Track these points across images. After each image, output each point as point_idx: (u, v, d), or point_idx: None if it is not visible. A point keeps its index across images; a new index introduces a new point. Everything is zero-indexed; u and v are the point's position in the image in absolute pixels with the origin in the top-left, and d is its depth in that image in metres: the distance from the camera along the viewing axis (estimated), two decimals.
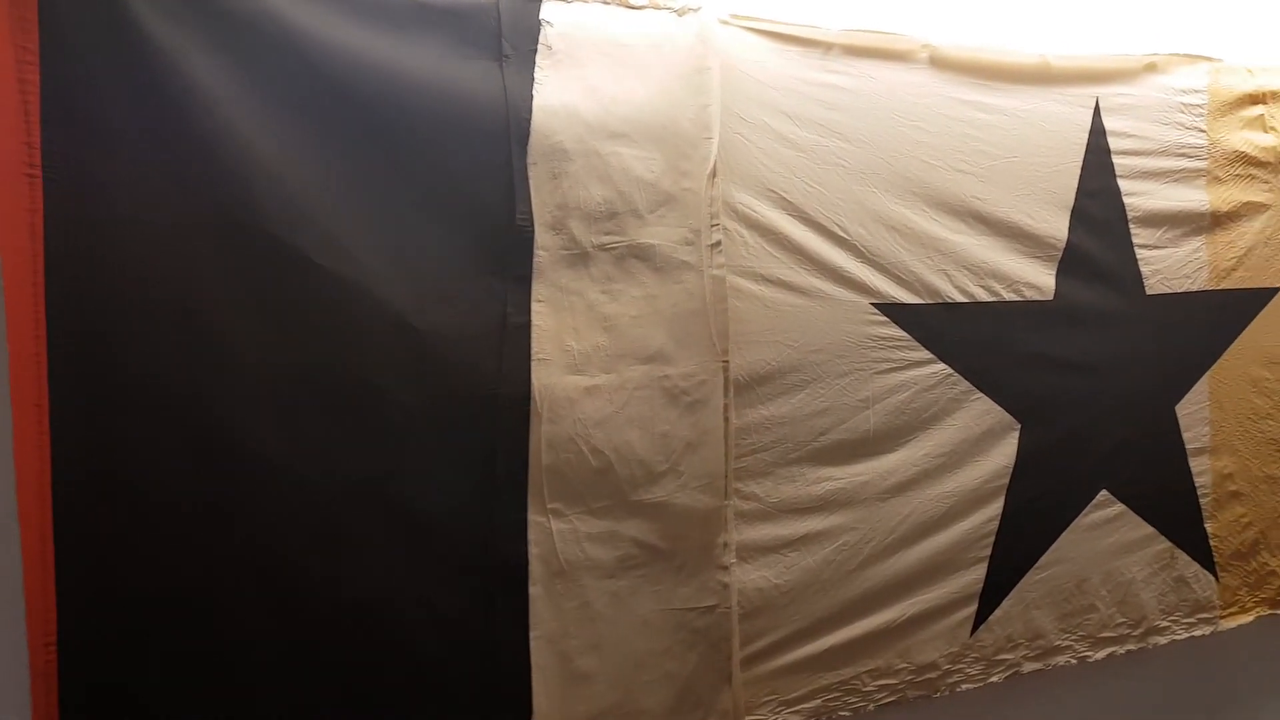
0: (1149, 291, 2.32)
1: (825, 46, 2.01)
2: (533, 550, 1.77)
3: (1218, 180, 2.39)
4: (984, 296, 2.14)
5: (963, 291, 2.12)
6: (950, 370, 2.12)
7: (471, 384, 1.72)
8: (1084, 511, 2.26)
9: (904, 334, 2.07)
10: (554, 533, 1.79)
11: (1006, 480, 2.18)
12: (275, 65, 1.59)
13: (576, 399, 1.79)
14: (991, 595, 2.17)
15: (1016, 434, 2.19)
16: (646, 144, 1.84)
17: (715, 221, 1.89)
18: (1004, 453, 2.18)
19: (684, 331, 1.87)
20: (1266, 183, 2.46)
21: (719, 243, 1.89)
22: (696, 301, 1.88)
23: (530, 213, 1.76)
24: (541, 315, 1.77)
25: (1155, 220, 2.32)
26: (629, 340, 1.83)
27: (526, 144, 1.76)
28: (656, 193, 1.85)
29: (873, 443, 2.06)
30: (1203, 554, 2.40)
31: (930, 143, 2.09)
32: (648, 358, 1.85)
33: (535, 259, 1.77)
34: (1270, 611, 2.49)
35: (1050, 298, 2.21)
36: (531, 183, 1.76)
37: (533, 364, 1.76)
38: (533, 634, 1.76)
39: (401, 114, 1.69)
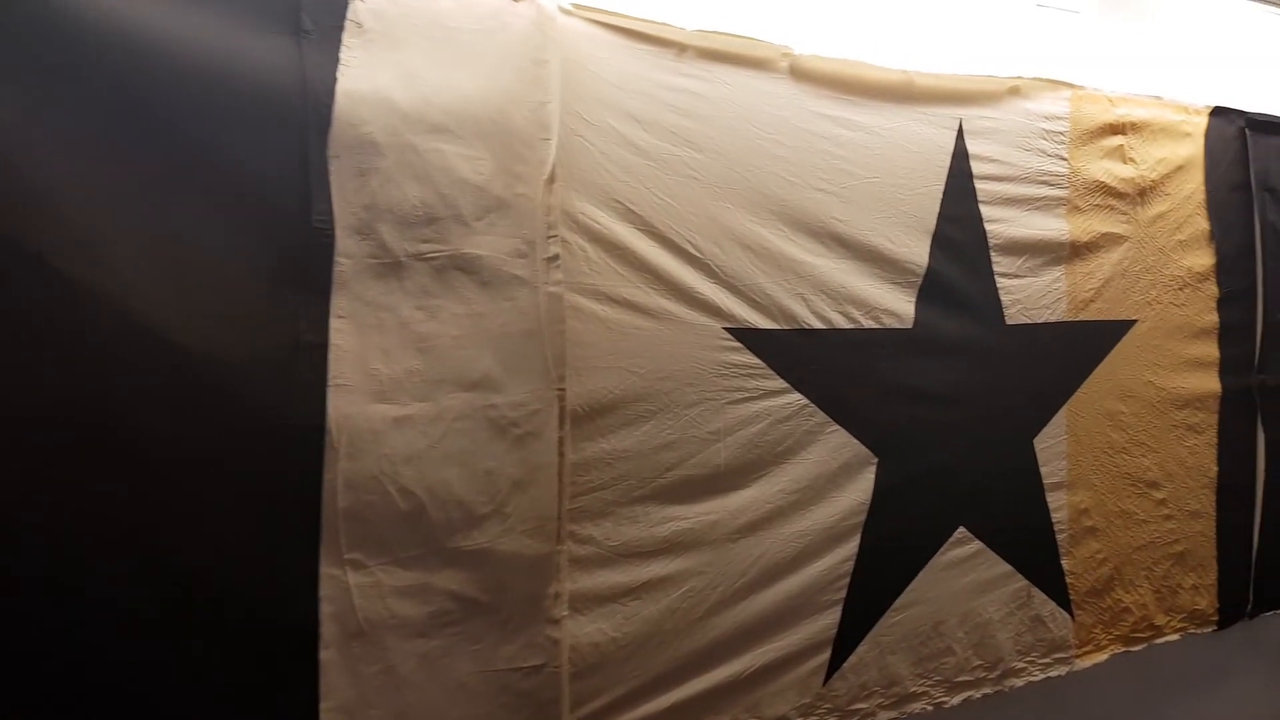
0: (1009, 321, 2.31)
1: (679, 47, 1.90)
2: (325, 609, 1.57)
3: (1078, 210, 2.42)
4: (842, 323, 2.08)
5: (820, 317, 2.05)
6: (806, 401, 2.04)
7: (253, 414, 1.50)
8: (941, 549, 2.23)
9: (758, 361, 1.98)
10: (352, 587, 1.59)
11: (863, 517, 2.11)
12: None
13: (383, 431, 1.60)
14: (846, 641, 2.09)
15: (874, 468, 2.13)
16: (474, 141, 1.68)
17: (553, 232, 1.74)
18: (861, 488, 2.11)
19: (514, 355, 1.71)
20: (1125, 214, 2.51)
21: (556, 256, 1.74)
22: (530, 321, 1.72)
23: (330, 214, 1.57)
24: (342, 334, 1.58)
25: (1016, 248, 2.32)
26: (449, 364, 1.66)
27: (327, 134, 1.56)
28: (485, 197, 1.69)
29: (723, 479, 1.95)
30: (1059, 592, 2.41)
31: (790, 158, 2.01)
32: (471, 384, 1.67)
33: (336, 268, 1.58)
34: (1125, 649, 2.53)
35: (910, 326, 2.17)
36: (332, 179, 1.57)
37: (329, 390, 1.56)
38: (323, 706, 1.55)
39: (176, 92, 1.46)
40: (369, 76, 1.60)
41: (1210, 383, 2.67)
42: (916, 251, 2.17)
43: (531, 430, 1.71)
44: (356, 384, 1.58)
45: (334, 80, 1.57)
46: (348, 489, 1.58)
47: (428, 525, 1.64)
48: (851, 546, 2.10)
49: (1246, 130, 2.72)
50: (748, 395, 1.97)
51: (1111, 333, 2.50)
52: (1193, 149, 2.63)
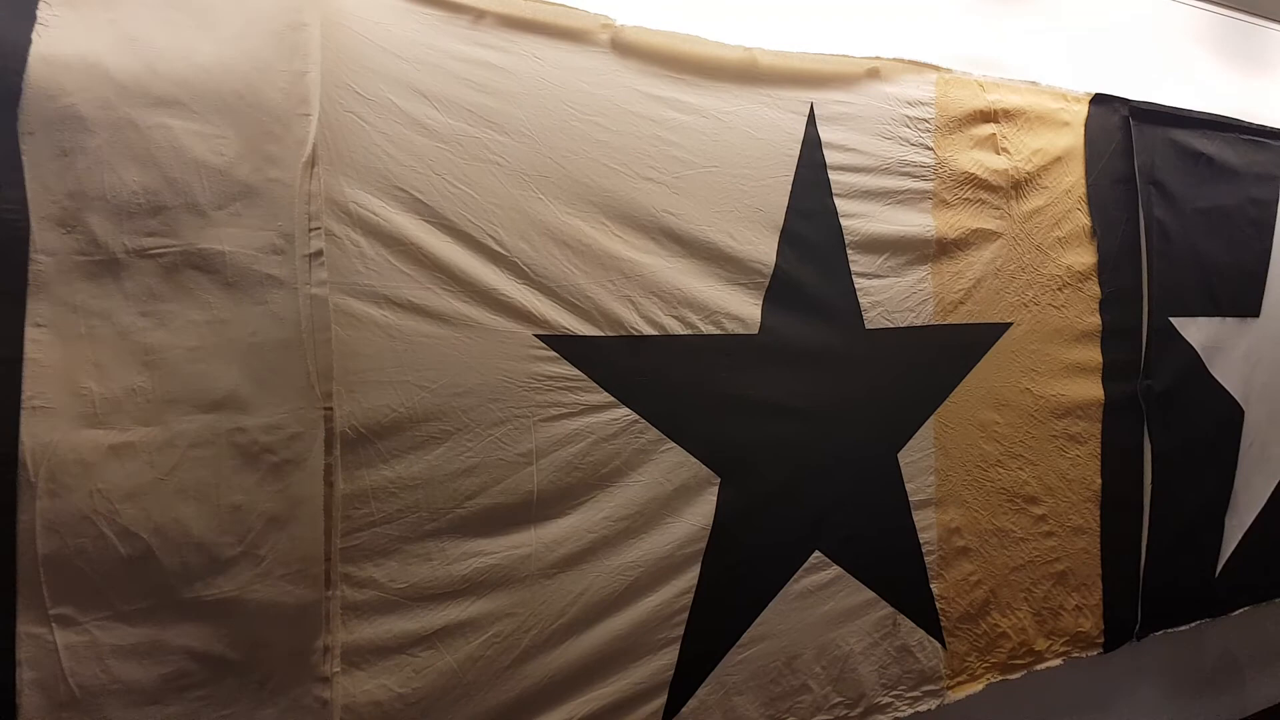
0: (868, 326, 2.20)
1: (475, 13, 1.73)
2: (25, 674, 1.36)
3: (945, 204, 2.32)
4: (677, 329, 1.93)
5: (651, 322, 1.90)
6: (635, 416, 1.88)
7: None
8: (794, 577, 2.10)
9: (577, 373, 1.82)
10: (60, 648, 1.38)
11: (703, 544, 1.97)
12: None
13: (95, 462, 1.39)
14: (684, 683, 1.94)
15: (715, 489, 1.99)
16: (213, 117, 1.48)
17: (315, 224, 1.55)
18: (701, 512, 1.97)
19: (268, 369, 1.51)
20: (998, 209, 2.42)
21: (320, 252, 1.55)
22: (288, 329, 1.53)
23: (23, 202, 1.36)
24: (41, 346, 1.36)
25: (876, 246, 2.20)
26: (184, 381, 1.46)
27: (17, 106, 1.35)
28: (228, 183, 1.49)
29: (537, 507, 1.78)
30: (928, 619, 2.31)
31: (613, 144, 1.86)
32: (212, 404, 1.48)
33: (32, 267, 1.36)
34: (1002, 677, 2.44)
35: (755, 331, 2.03)
36: (26, 160, 1.36)
37: (24, 414, 1.35)
38: None
39: None
40: (75, 39, 1.39)
41: (1093, 389, 2.60)
42: (762, 249, 2.04)
43: (290, 457, 1.52)
44: (60, 406, 1.37)
45: (27, 43, 1.36)
46: (49, 532, 1.36)
47: (158, 572, 1.44)
48: (690, 577, 1.95)
49: (1130, 119, 2.67)
50: (565, 411, 1.80)
51: (984, 337, 2.40)
52: (1072, 139, 2.57)
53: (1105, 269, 2.62)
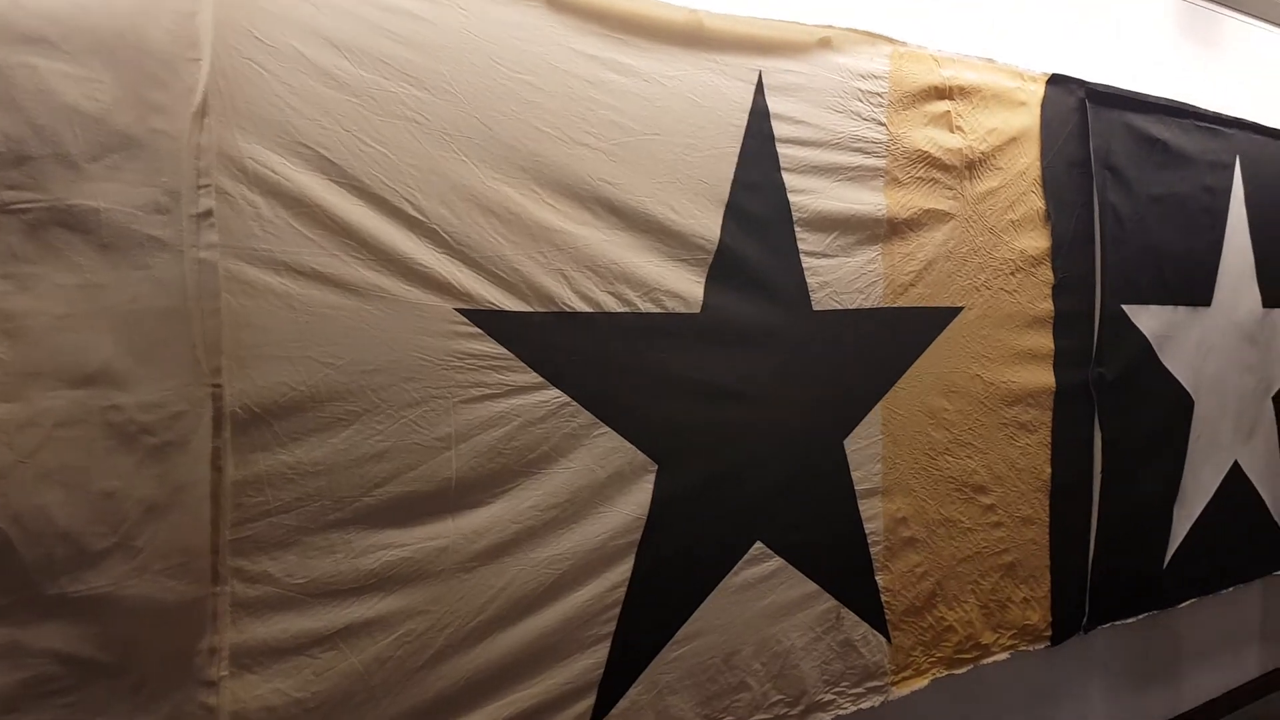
0: (816, 307, 2.09)
1: None
2: None
3: (897, 182, 2.22)
4: (613, 306, 1.80)
5: (585, 298, 1.77)
6: (567, 398, 1.75)
7: None
8: (734, 569, 1.99)
9: (503, 350, 1.68)
10: None
11: (638, 535, 1.85)
12: None
13: None
14: (615, 682, 1.83)
15: (652, 476, 1.86)
16: (87, 59, 1.31)
17: (205, 181, 1.39)
18: (636, 500, 1.85)
19: (149, 341, 1.36)
20: (951, 189, 2.32)
21: (210, 212, 1.40)
22: (172, 297, 1.37)
23: None
24: None
25: (825, 224, 2.09)
26: (49, 352, 1.29)
27: None
28: (104, 132, 1.33)
29: (455, 495, 1.64)
30: (873, 612, 2.21)
31: (546, 105, 1.72)
32: (83, 379, 1.32)
33: None
34: (947, 672, 2.36)
35: (697, 310, 1.91)
36: None
37: None
38: None
39: None
40: None
41: (1044, 377, 2.53)
42: (706, 224, 1.92)
43: (172, 439, 1.37)
44: None
45: None
46: None
47: (17, 566, 1.28)
48: (623, 570, 1.83)
49: (1087, 102, 2.59)
50: (489, 392, 1.67)
51: (934, 321, 2.31)
52: (1028, 120, 2.48)
53: (1059, 254, 2.54)
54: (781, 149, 2.02)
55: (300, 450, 1.49)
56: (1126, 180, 2.69)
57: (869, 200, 2.16)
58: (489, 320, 1.66)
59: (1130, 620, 2.77)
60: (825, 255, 2.10)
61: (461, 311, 1.63)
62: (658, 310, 1.86)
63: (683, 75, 1.88)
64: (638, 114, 1.82)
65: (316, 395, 1.50)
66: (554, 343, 1.74)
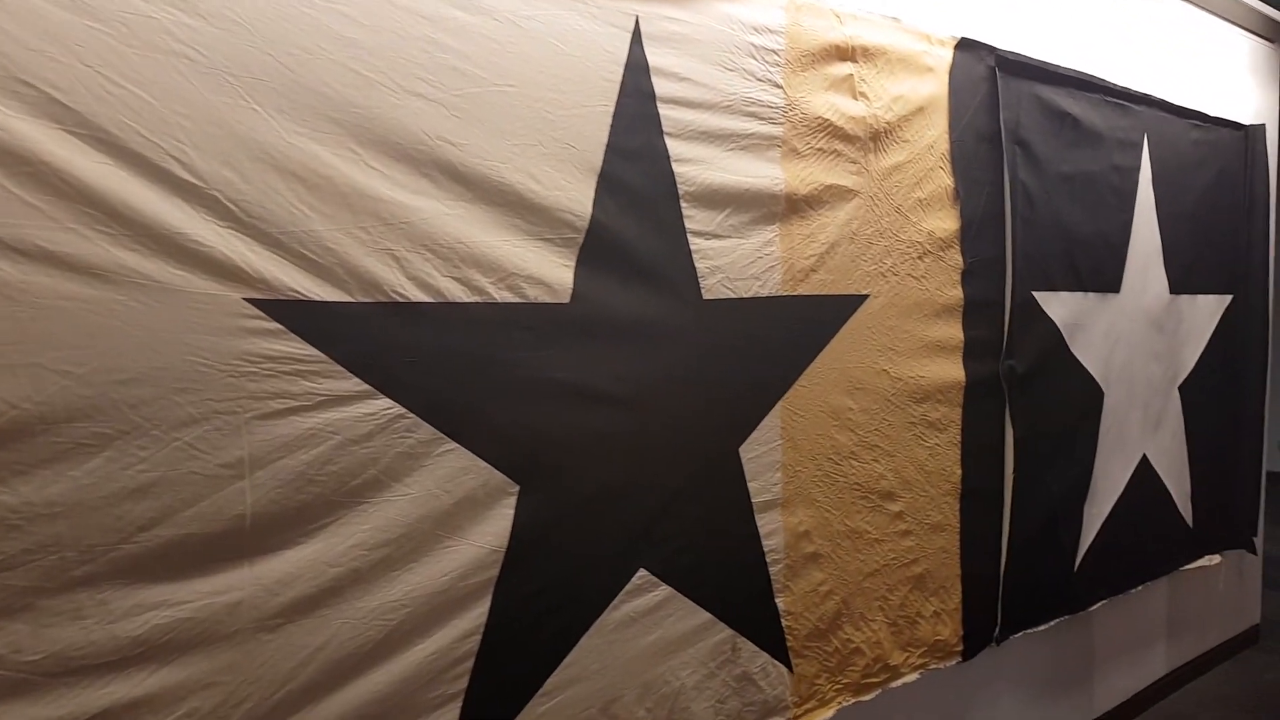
0: (706, 295, 1.81)
1: None
2: None
3: (795, 153, 1.96)
4: (460, 294, 1.48)
5: (423, 285, 1.44)
6: (400, 409, 1.43)
7: None
8: (613, 603, 1.70)
9: (314, 351, 1.34)
10: None
11: (496, 571, 1.54)
12: None
13: None
14: None
15: (513, 500, 1.56)
16: None
17: None
18: (493, 530, 1.54)
19: None
20: (854, 163, 2.08)
21: None
22: None
23: None
24: None
25: (716, 199, 1.82)
26: None
27: None
28: None
29: (251, 536, 1.30)
30: (772, 639, 1.96)
31: (368, 44, 1.38)
32: None
33: None
34: (854, 699, 2.13)
35: (566, 300, 1.61)
36: None
37: None
38: None
39: None
40: None
41: (953, 370, 2.32)
42: (575, 196, 1.61)
43: None
44: None
45: None
46: None
47: None
48: (477, 615, 1.52)
49: (997, 70, 2.39)
50: (295, 404, 1.33)
51: (837, 310, 2.07)
52: (936, 87, 2.26)
53: (968, 236, 2.34)
54: (664, 110, 1.73)
55: (27, 488, 1.13)
56: (1036, 157, 2.51)
57: (765, 173, 1.89)
58: (293, 313, 1.32)
59: (1042, 627, 2.61)
60: (716, 236, 1.82)
61: (254, 302, 1.29)
62: (517, 300, 1.55)
63: (544, 16, 1.57)
64: (488, 61, 1.50)
65: (49, 415, 1.14)
66: (383, 341, 1.41)
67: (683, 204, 1.77)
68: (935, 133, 2.25)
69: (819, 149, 2.00)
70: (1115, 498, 2.85)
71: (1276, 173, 3.48)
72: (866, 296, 2.12)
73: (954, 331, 2.32)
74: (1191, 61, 3.18)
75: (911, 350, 2.22)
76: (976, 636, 2.41)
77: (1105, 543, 2.80)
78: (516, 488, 1.56)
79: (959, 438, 2.35)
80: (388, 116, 1.40)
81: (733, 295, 1.85)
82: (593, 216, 1.63)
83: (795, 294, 1.97)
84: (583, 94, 1.62)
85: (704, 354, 1.81)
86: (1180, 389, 3.12)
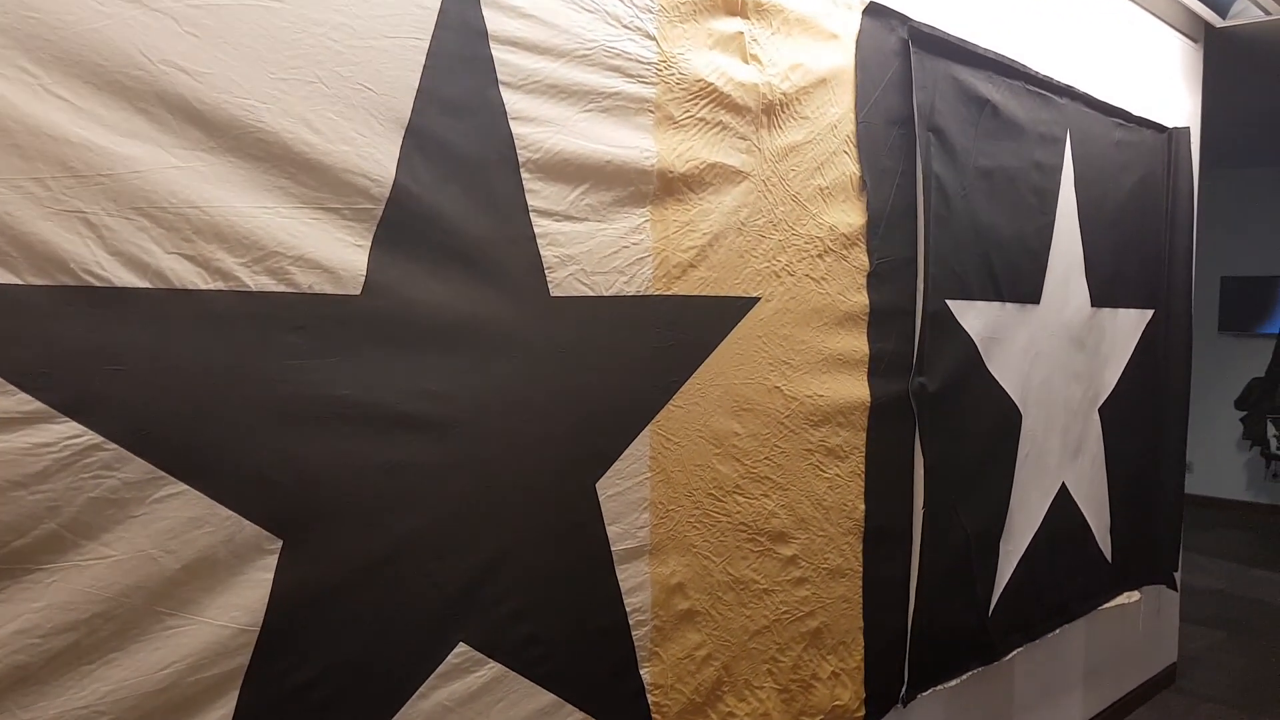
0: (555, 292, 1.48)
1: None
2: None
3: (671, 121, 1.65)
4: (193, 279, 1.11)
5: (134, 265, 1.07)
6: (96, 437, 1.05)
7: None
8: (421, 690, 1.34)
9: None
10: None
11: (246, 658, 1.17)
12: None
13: None
14: None
15: (273, 560, 1.19)
16: None
17: None
18: (241, 602, 1.16)
19: None
20: (744, 139, 1.78)
21: None
22: None
23: None
24: None
25: (568, 171, 1.49)
26: None
27: None
28: None
29: None
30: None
31: None
32: None
33: None
34: None
35: (356, 291, 1.25)
36: None
37: None
38: None
39: None
40: None
41: (857, 389, 2.05)
42: (371, 154, 1.26)
43: None
44: None
45: None
46: None
47: None
48: (220, 713, 1.14)
49: (910, 44, 2.13)
50: None
51: (722, 315, 1.76)
52: (840, 58, 1.99)
53: (875, 234, 2.07)
54: (499, 53, 1.40)
55: None
56: (952, 147, 2.26)
57: (632, 143, 1.58)
58: None
59: (953, 682, 2.36)
60: (569, 218, 1.50)
61: None
62: (282, 288, 1.18)
63: None
64: None
65: None
66: (69, 342, 1.03)
67: (524, 174, 1.43)
68: (839, 111, 1.98)
69: (701, 119, 1.70)
70: (1032, 532, 2.63)
71: (1198, 180, 3.36)
72: (757, 300, 1.82)
73: (858, 343, 2.05)
74: (1114, 54, 3.02)
75: (809, 365, 1.93)
76: (880, 698, 2.14)
77: (1021, 583, 2.58)
78: (278, 543, 1.19)
79: (863, 467, 2.07)
80: (84, 26, 1.03)
81: (590, 293, 1.53)
82: (396, 182, 1.28)
83: (670, 293, 1.65)
84: (384, 21, 1.27)
85: (550, 366, 1.47)
86: (1100, 411, 2.94)
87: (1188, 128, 3.26)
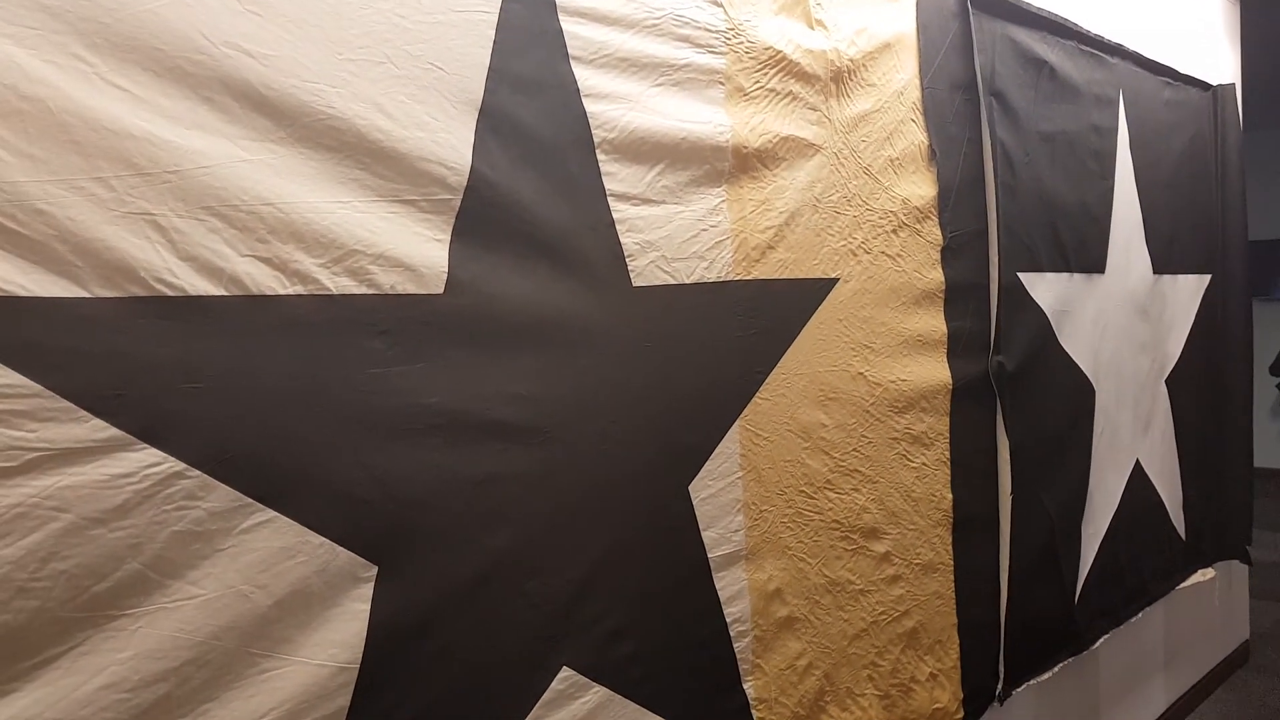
0: (637, 281, 1.39)
1: None
2: None
3: (742, 93, 1.55)
4: (271, 284, 1.01)
5: (209, 271, 0.97)
6: (178, 464, 0.95)
7: None
8: (530, 717, 1.25)
9: (21, 380, 0.86)
10: None
11: (347, 699, 1.07)
12: None
13: None
14: None
15: (369, 588, 1.09)
16: None
17: None
18: (339, 638, 1.07)
19: None
20: (814, 110, 1.69)
21: None
22: None
23: None
24: None
25: (644, 150, 1.39)
26: None
27: None
28: None
29: None
30: None
31: None
32: None
33: None
34: None
35: (439, 290, 1.16)
36: None
37: None
38: None
39: None
40: None
41: (938, 371, 1.95)
42: (446, 140, 1.16)
43: None
44: None
45: None
46: None
47: None
48: None
49: (969, 4, 2.04)
50: None
51: (803, 299, 1.67)
52: (902, 21, 1.90)
53: (946, 206, 1.98)
54: (568, 25, 1.30)
55: None
56: (1014, 112, 2.17)
57: (705, 117, 1.48)
58: None
59: (1045, 676, 2.26)
60: (647, 201, 1.40)
61: None
62: (364, 290, 1.09)
63: None
64: None
65: None
66: (142, 359, 0.93)
67: (599, 155, 1.34)
68: (905, 77, 1.89)
69: (771, 89, 1.60)
70: (1112, 512, 2.53)
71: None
72: (836, 281, 1.72)
73: (936, 323, 1.95)
74: (1154, 10, 2.92)
75: (890, 348, 1.84)
76: (977, 697, 2.04)
77: (1104, 567, 2.48)
78: (373, 570, 1.09)
79: (948, 454, 1.98)
80: (140, 8, 0.93)
81: (671, 280, 1.43)
82: (473, 169, 1.19)
83: (750, 278, 1.56)
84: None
85: (636, 361, 1.38)
86: (1166, 382, 2.84)
87: (1232, 84, 3.17)
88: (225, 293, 0.98)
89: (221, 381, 0.98)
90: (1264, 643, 3.59)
